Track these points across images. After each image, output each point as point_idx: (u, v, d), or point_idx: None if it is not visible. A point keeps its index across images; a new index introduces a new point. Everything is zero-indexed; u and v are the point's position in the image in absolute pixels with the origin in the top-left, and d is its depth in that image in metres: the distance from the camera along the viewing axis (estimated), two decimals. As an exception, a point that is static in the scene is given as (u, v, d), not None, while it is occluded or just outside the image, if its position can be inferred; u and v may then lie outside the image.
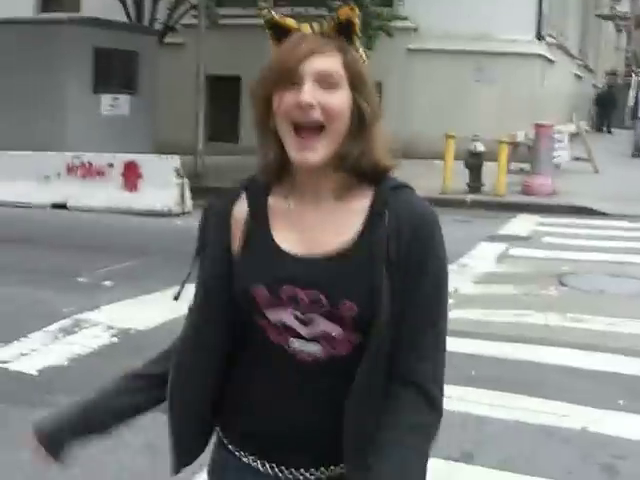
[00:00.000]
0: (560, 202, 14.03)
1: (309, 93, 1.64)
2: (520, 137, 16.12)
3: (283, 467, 1.77)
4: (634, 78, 40.39)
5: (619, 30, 46.48)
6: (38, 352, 6.07)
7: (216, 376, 1.82)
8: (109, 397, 1.99)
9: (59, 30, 16.45)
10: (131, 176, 13.29)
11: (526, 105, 18.91)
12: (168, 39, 19.42)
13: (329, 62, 1.66)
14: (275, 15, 1.74)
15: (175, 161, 13.14)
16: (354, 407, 1.67)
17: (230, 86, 20.46)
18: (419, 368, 1.69)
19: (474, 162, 14.49)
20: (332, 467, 1.76)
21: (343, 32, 1.70)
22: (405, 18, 19.01)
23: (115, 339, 6.42)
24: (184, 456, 1.89)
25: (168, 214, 12.70)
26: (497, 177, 14.45)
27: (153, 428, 4.57)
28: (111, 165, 13.47)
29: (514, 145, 16.06)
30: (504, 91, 19.21)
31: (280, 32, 1.73)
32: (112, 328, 6.67)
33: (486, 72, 19.41)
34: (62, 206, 13.39)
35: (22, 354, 6.01)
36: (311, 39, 1.69)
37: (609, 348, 6.34)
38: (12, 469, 4.26)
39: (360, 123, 1.70)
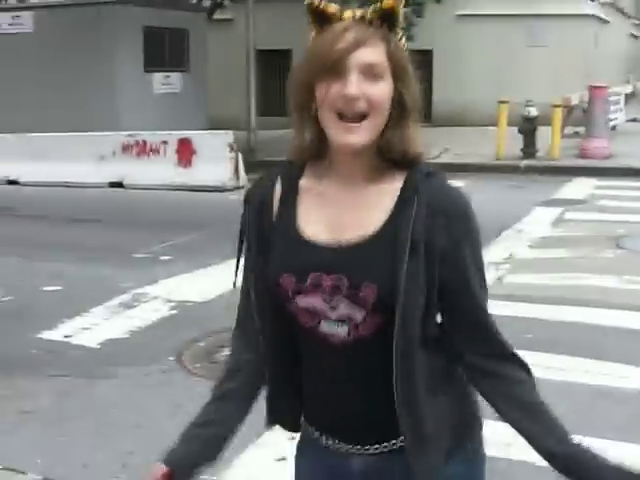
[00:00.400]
0: (617, 165, 13.81)
1: (355, 86, 1.66)
2: (574, 100, 15.85)
3: (342, 442, 1.86)
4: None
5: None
6: (99, 326, 6.22)
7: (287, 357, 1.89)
8: (213, 431, 1.93)
9: (109, 11, 16.62)
10: (185, 153, 13.43)
11: (580, 67, 18.62)
12: (217, 15, 19.50)
13: (373, 54, 1.68)
14: (316, 1, 1.72)
15: (229, 136, 13.23)
16: (400, 389, 1.74)
17: (280, 60, 20.47)
18: (501, 340, 1.79)
19: (528, 127, 14.32)
20: (378, 445, 1.83)
21: (386, 20, 1.71)
22: (454, -16, 18.82)
23: (174, 312, 6.55)
24: (273, 413, 1.96)
25: (222, 189, 12.81)
26: (551, 141, 14.27)
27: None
28: (165, 142, 13.63)
29: (568, 108, 15.81)
30: (557, 54, 18.93)
31: (322, 18, 1.73)
32: (170, 301, 6.80)
33: (538, 35, 19.14)
34: (119, 184, 13.60)
35: (84, 328, 6.16)
36: (355, 29, 1.68)
37: (667, 309, 6.28)
38: (76, 439, 4.40)
39: (401, 111, 1.73)
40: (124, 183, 13.60)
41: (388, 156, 1.75)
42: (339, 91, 1.67)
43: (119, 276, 7.62)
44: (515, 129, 14.33)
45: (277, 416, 1.96)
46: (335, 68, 1.67)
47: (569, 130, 15.90)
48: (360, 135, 1.69)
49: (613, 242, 8.54)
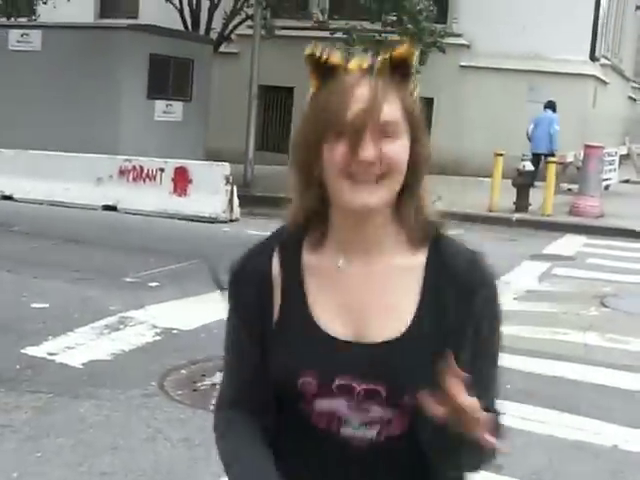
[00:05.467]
0: (607, 224, 13.94)
1: (372, 150, 1.47)
2: (569, 157, 16.06)
3: None
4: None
5: (677, 54, 45.90)
6: (84, 346, 6.25)
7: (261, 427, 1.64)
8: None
9: (117, 36, 16.82)
10: (181, 181, 13.52)
11: (577, 126, 18.82)
12: (223, 48, 19.69)
13: (389, 111, 1.48)
14: (318, 52, 1.54)
15: (225, 169, 13.33)
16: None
17: (283, 97, 20.68)
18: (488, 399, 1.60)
19: (522, 181, 14.47)
20: None
21: (398, 70, 1.53)
22: (459, 35, 19.08)
23: (158, 337, 6.58)
24: None
25: (216, 220, 12.89)
26: (545, 197, 14.42)
27: (192, 423, 4.73)
28: (162, 170, 13.71)
29: (563, 165, 16.01)
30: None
31: (324, 70, 1.54)
32: (156, 327, 6.84)
33: (538, 91, 19.36)
34: (113, 208, 13.67)
35: (68, 347, 6.20)
36: (366, 84, 1.49)
37: (647, 369, 6.35)
38: (52, 455, 4.42)
39: (415, 174, 1.55)
40: (118, 207, 13.67)
41: (403, 223, 1.57)
42: (352, 154, 1.47)
43: (107, 298, 7.66)
44: (510, 182, 14.47)
45: None
46: (347, 129, 1.46)
47: (563, 187, 16.07)
48: (377, 195, 1.49)
49: (598, 300, 8.62)
